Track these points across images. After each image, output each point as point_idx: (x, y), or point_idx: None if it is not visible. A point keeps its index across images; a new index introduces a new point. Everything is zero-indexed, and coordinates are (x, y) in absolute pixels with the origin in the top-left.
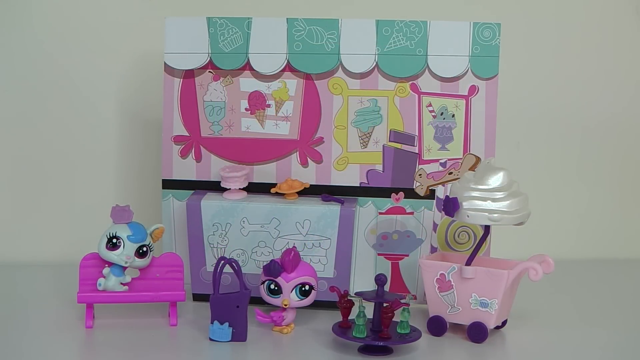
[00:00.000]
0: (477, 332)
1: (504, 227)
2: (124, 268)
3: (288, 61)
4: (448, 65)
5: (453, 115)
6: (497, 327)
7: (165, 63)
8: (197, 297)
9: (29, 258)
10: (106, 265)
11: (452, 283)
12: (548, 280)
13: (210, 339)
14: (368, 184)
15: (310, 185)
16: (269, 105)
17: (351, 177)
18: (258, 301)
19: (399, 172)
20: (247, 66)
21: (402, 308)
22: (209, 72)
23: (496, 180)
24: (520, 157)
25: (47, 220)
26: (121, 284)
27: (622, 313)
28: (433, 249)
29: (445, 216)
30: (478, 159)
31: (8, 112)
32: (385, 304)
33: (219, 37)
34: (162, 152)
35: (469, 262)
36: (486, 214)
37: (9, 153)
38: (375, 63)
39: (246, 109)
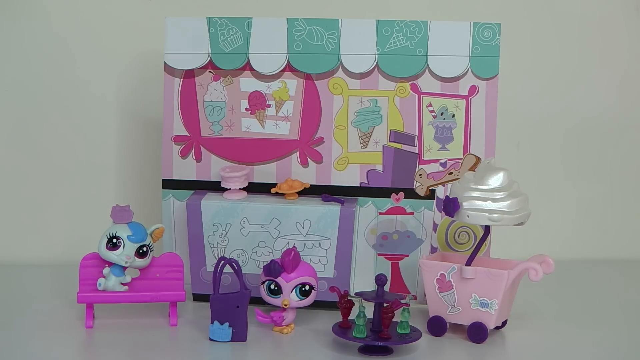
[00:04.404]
0: (477, 333)
1: (504, 227)
2: (124, 268)
3: (288, 61)
4: (448, 65)
5: (453, 116)
6: (497, 327)
7: (165, 63)
8: (197, 297)
9: (29, 258)
10: (106, 265)
11: (452, 283)
12: (548, 281)
13: (210, 339)
14: (368, 184)
15: (311, 185)
16: (269, 105)
17: (351, 177)
18: (258, 301)
19: (399, 172)
20: (247, 66)
21: (402, 308)
22: (209, 72)
23: (496, 180)
24: (520, 157)
25: (47, 220)
26: (121, 284)
27: (622, 313)
28: (433, 249)
29: (446, 216)
30: (478, 159)
31: (7, 112)
32: (385, 304)
33: (219, 37)
34: (162, 152)
35: (469, 263)
36: (486, 214)
37: (8, 153)
38: (375, 63)
39: (246, 109)
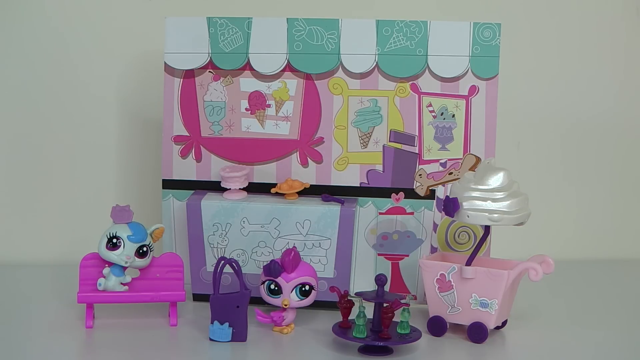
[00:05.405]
0: (477, 333)
1: (504, 227)
2: (124, 268)
3: (288, 61)
4: (448, 65)
5: (453, 116)
6: (497, 327)
7: (165, 63)
8: (197, 297)
9: (29, 258)
10: (106, 265)
11: (452, 283)
12: (548, 281)
13: (210, 339)
14: (368, 184)
15: (311, 185)
16: (269, 105)
17: (351, 177)
18: (258, 301)
19: (399, 172)
20: (247, 66)
21: (402, 308)
22: (209, 72)
23: (496, 180)
24: (520, 157)
25: (47, 220)
26: (121, 284)
27: (622, 313)
28: (433, 249)
29: (446, 216)
30: (478, 159)
31: (7, 111)
32: (385, 304)
33: (219, 37)
34: (162, 152)
35: (469, 263)
36: (486, 214)
37: (8, 153)
38: (375, 63)
39: (246, 109)
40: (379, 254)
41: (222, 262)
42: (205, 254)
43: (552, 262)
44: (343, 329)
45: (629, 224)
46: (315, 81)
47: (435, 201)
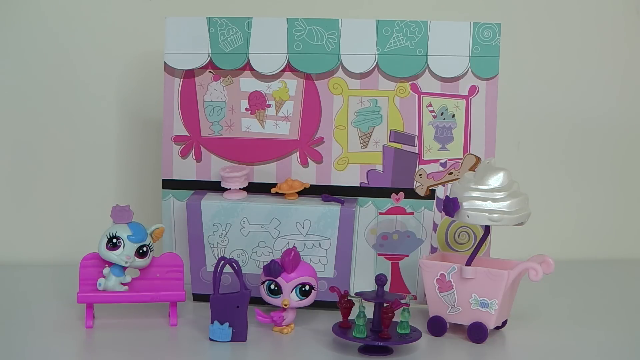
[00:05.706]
0: (477, 333)
1: (504, 227)
2: (124, 268)
3: (288, 61)
4: (448, 65)
5: (453, 116)
6: (497, 327)
7: (165, 63)
8: (197, 297)
9: (29, 258)
10: (106, 265)
11: (452, 283)
12: (548, 281)
13: (210, 339)
14: (368, 184)
15: (311, 185)
16: (269, 105)
17: (351, 177)
18: (258, 301)
19: (399, 172)
20: (247, 66)
21: (402, 308)
22: (209, 72)
23: (496, 180)
24: (520, 157)
25: (47, 220)
26: (121, 284)
27: (622, 313)
28: (433, 249)
29: (446, 216)
30: (478, 159)
31: (8, 112)
32: (385, 304)
33: (219, 37)
34: (162, 152)
35: (469, 263)
36: (486, 214)
37: (8, 153)
38: (375, 63)
39: (246, 109)
40: (379, 254)
41: (222, 262)
42: (205, 254)
43: (552, 262)
44: (343, 329)
45: (629, 224)
46: (315, 81)
47: (435, 201)
